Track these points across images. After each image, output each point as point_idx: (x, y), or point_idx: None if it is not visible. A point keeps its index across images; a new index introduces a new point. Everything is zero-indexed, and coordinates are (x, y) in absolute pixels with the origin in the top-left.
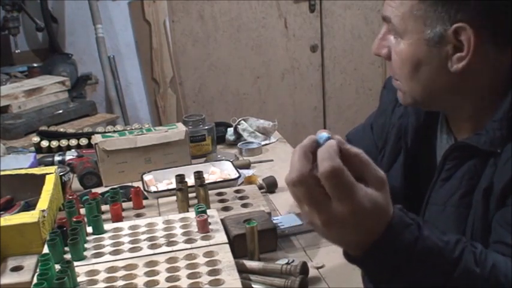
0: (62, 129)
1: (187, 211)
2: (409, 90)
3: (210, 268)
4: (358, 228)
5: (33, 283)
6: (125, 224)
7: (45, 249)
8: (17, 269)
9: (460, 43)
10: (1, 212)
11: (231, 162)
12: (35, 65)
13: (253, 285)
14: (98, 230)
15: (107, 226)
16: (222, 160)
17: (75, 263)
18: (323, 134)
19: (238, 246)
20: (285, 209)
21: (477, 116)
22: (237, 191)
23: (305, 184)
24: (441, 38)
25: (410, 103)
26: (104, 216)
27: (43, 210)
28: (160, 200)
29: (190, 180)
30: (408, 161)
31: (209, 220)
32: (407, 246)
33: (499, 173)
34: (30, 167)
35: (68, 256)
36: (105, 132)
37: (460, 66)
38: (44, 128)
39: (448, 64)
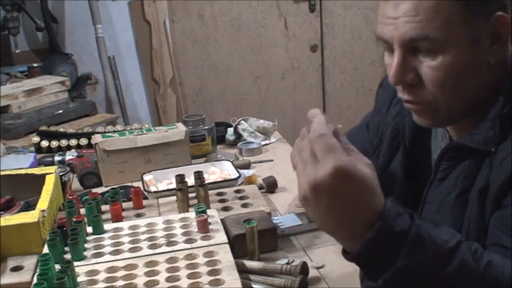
0: (62, 129)
1: (187, 211)
2: (450, 104)
3: (210, 268)
4: (344, 199)
5: (33, 283)
6: (125, 224)
7: (45, 249)
8: (17, 269)
9: (495, 34)
10: (1, 212)
11: (231, 162)
12: (35, 65)
13: (253, 285)
14: (98, 230)
15: (107, 226)
16: (222, 160)
17: (75, 263)
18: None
19: (238, 246)
20: (285, 209)
21: (472, 118)
22: (237, 191)
23: (321, 138)
24: (482, 33)
25: (442, 121)
26: (104, 216)
27: (43, 210)
28: (160, 200)
29: (190, 180)
30: (407, 161)
31: (209, 220)
32: (401, 233)
33: (495, 173)
34: (30, 167)
35: (68, 256)
36: (105, 132)
37: (498, 57)
38: (44, 128)
39: (487, 58)
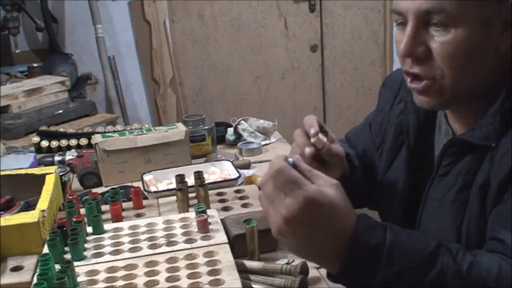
0: (62, 129)
1: (187, 211)
2: (457, 84)
3: (210, 268)
4: (318, 226)
5: (33, 283)
6: (125, 224)
7: (45, 249)
8: (17, 269)
9: (506, 21)
10: (1, 212)
11: (231, 162)
12: (35, 65)
13: (253, 285)
14: (98, 230)
15: (107, 226)
16: (222, 160)
17: (75, 263)
18: (290, 160)
19: (238, 246)
20: None
21: (477, 110)
22: (237, 191)
23: (280, 173)
24: (495, 17)
25: (446, 102)
26: (104, 216)
27: (43, 210)
28: (160, 200)
29: (190, 180)
30: (411, 158)
31: (209, 220)
32: (377, 246)
33: (495, 169)
34: (30, 167)
35: (68, 256)
36: (105, 132)
37: (508, 44)
38: (44, 128)
39: (497, 44)
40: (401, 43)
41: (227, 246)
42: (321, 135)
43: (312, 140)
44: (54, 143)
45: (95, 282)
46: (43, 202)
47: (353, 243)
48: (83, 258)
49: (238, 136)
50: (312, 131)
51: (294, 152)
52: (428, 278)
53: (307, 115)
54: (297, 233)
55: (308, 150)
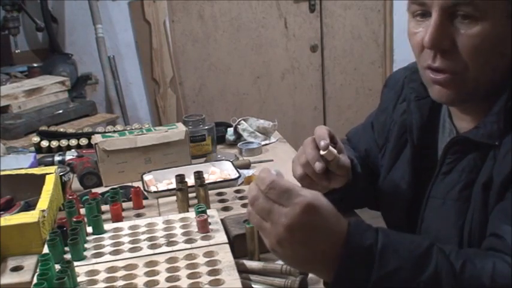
0: (62, 129)
1: (187, 211)
2: (479, 77)
3: (210, 268)
4: (315, 230)
5: (33, 283)
6: (125, 224)
7: (45, 249)
8: (17, 269)
9: None
10: (1, 212)
11: (231, 162)
12: (35, 65)
13: (253, 285)
14: (98, 230)
15: (107, 226)
16: (222, 160)
17: (75, 263)
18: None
19: (238, 246)
20: None
21: (481, 108)
22: (237, 191)
23: (274, 186)
24: None
25: (466, 96)
26: (104, 216)
27: (43, 210)
28: (160, 200)
29: (190, 180)
30: (415, 157)
31: (209, 220)
32: (370, 247)
33: (498, 167)
34: (30, 167)
35: (68, 256)
36: (105, 132)
37: None
38: (44, 128)
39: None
40: (424, 35)
41: (227, 246)
42: (331, 148)
43: (322, 152)
44: (54, 143)
45: (95, 282)
46: (43, 202)
47: (347, 245)
48: (83, 258)
49: (238, 136)
50: (323, 144)
51: (301, 160)
52: (422, 278)
53: (318, 126)
54: (295, 241)
55: (318, 165)
